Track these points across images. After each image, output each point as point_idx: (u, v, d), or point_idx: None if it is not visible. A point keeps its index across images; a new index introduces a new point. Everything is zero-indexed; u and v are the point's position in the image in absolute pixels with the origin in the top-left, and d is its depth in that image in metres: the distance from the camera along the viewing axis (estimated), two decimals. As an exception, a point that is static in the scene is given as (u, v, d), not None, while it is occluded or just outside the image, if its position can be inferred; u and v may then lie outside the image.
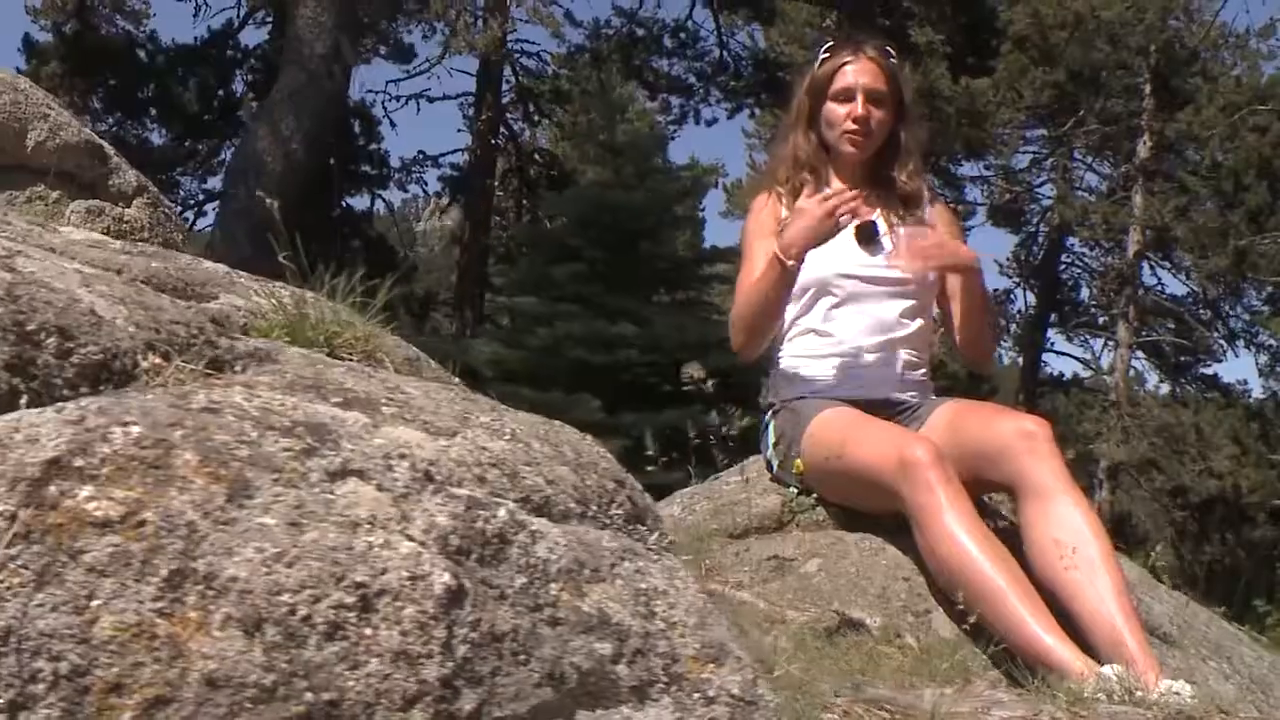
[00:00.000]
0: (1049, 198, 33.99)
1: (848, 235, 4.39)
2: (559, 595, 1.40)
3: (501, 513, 1.45)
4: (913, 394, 4.49)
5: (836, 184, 4.66)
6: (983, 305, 4.56)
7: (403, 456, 1.47)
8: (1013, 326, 36.92)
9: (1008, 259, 36.23)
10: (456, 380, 2.17)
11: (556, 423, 1.86)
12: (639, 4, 29.23)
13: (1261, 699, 4.27)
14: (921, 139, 4.84)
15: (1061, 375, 37.05)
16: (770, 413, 4.69)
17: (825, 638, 3.50)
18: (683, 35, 29.77)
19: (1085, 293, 36.45)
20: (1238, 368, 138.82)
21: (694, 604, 1.52)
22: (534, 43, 35.30)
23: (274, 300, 2.07)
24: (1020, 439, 3.87)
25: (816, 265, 4.40)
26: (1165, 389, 34.42)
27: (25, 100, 3.68)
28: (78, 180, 3.75)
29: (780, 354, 4.68)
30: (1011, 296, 36.67)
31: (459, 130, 32.13)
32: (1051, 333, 35.70)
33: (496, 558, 1.40)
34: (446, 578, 1.31)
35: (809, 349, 4.56)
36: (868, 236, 4.44)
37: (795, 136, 4.76)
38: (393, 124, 31.78)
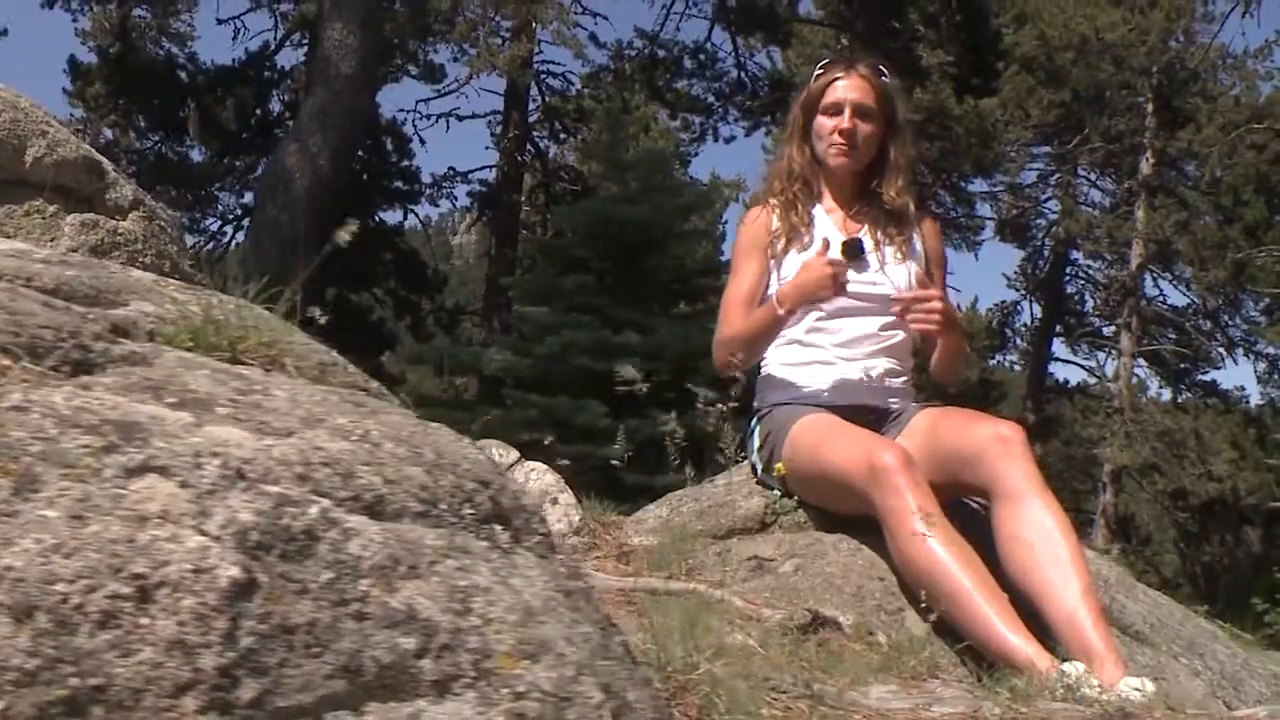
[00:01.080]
0: (1055, 213, 34.35)
1: (834, 251, 4.37)
2: (368, 591, 1.35)
3: (313, 510, 1.40)
4: (894, 400, 4.45)
5: (829, 200, 4.67)
6: (959, 346, 4.54)
7: (215, 455, 1.42)
8: (1018, 340, 37.28)
9: (1015, 272, 36.50)
10: (373, 385, 2.09)
11: (434, 425, 1.81)
12: (660, 26, 29.32)
13: (1233, 694, 4.23)
14: (912, 156, 4.80)
15: (1067, 382, 37.32)
16: (756, 418, 4.66)
17: (796, 635, 3.40)
18: (702, 57, 29.86)
19: (1089, 304, 36.54)
20: (1236, 375, 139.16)
21: (521, 602, 1.46)
22: (559, 63, 35.41)
23: (181, 307, 2.00)
24: (995, 443, 3.82)
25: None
26: (1166, 395, 34.59)
27: (25, 118, 3.65)
28: (75, 194, 3.72)
29: (767, 362, 4.65)
30: (1018, 308, 36.99)
31: (486, 148, 32.35)
32: (1057, 343, 35.95)
33: (303, 553, 1.35)
34: (235, 571, 1.26)
35: (794, 358, 4.54)
36: (853, 253, 4.40)
37: (790, 150, 4.74)
38: (422, 141, 31.96)
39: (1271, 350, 31.57)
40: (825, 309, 4.44)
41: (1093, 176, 34.75)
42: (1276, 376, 32.07)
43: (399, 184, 29.17)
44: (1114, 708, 2.62)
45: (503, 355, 10.68)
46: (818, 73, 4.73)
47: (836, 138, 4.52)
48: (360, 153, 27.99)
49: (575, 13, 27.16)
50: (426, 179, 30.12)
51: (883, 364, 4.46)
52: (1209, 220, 30.63)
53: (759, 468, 4.63)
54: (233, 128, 28.26)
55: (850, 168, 4.58)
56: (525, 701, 1.34)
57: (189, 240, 29.76)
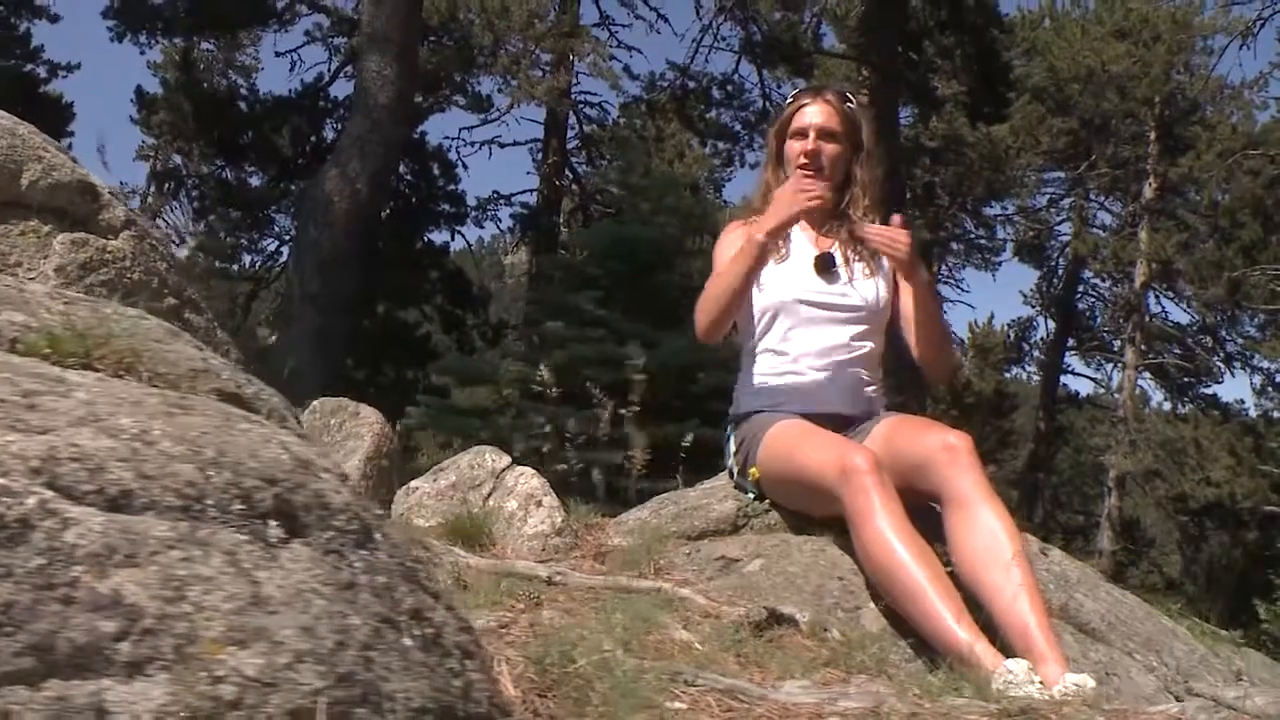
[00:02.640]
0: (1067, 234, 34.44)
1: (807, 264, 4.47)
2: (79, 577, 1.35)
3: (31, 501, 1.39)
4: (862, 408, 4.43)
5: (804, 224, 4.65)
6: (936, 317, 4.50)
7: (-56, 449, 1.44)
8: (1035, 352, 37.44)
9: (1031, 290, 36.82)
10: (249, 392, 2.10)
11: (245, 426, 1.79)
12: (690, 59, 29.31)
13: (1185, 690, 4.14)
14: (878, 179, 4.75)
15: (1077, 393, 37.48)
16: (732, 424, 4.65)
17: (750, 631, 3.38)
18: (729, 88, 29.83)
19: (1099, 320, 36.56)
20: (1235, 388, 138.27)
21: (251, 593, 1.45)
22: (595, 94, 35.48)
23: (53, 317, 2.01)
24: (943, 452, 3.80)
25: (777, 290, 4.46)
26: (1169, 406, 34.60)
27: (22, 144, 3.69)
28: (70, 216, 3.75)
29: (743, 372, 4.66)
30: (1034, 324, 37.25)
31: (528, 173, 32.65)
32: (1070, 356, 35.95)
33: (14, 540, 1.35)
34: (-77, 554, 1.28)
35: (768, 368, 4.53)
36: (825, 266, 4.44)
37: (766, 174, 4.78)
38: (465, 166, 32.21)
39: (1267, 364, 31.57)
40: (796, 319, 4.47)
41: (1100, 199, 34.93)
42: (1271, 388, 32.03)
43: (446, 206, 29.16)
44: (1017, 705, 2.56)
45: (516, 367, 10.68)
46: (788, 101, 4.78)
47: (802, 159, 4.53)
48: (409, 177, 28.17)
49: (611, 46, 27.27)
50: (472, 202, 30.19)
51: (852, 374, 4.45)
52: (1208, 241, 30.76)
53: (734, 472, 4.61)
54: (289, 154, 28.35)
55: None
56: (222, 685, 1.33)
57: (247, 259, 30.03)
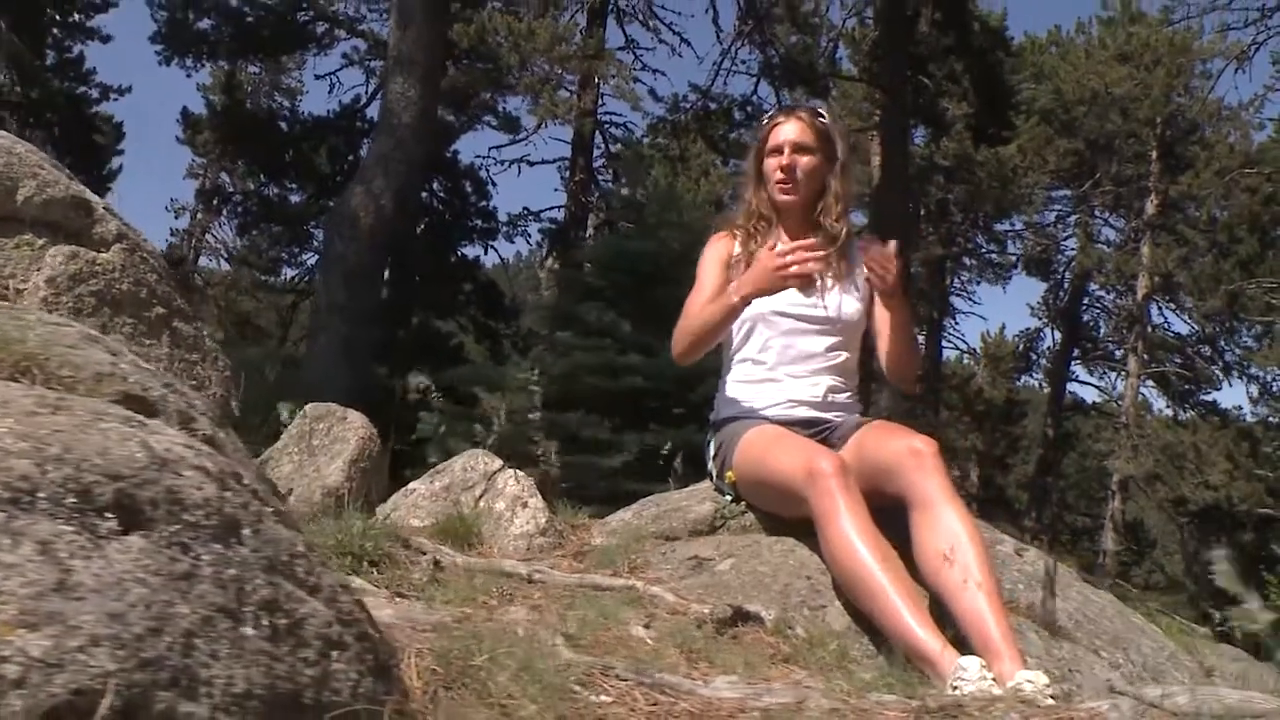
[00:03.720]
0: (1073, 249, 34.57)
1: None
2: None
3: None
4: (836, 415, 4.38)
5: (784, 236, 4.59)
6: (909, 342, 4.48)
7: None
8: (1042, 361, 37.50)
9: (1038, 302, 36.90)
10: (155, 395, 2.10)
11: (109, 426, 1.74)
12: (711, 82, 29.22)
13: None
14: (851, 189, 4.73)
15: (1083, 401, 37.48)
16: (712, 430, 4.63)
17: (713, 627, 3.33)
18: (749, 108, 29.74)
19: (1103, 330, 36.60)
20: (1234, 395, 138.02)
21: (56, 581, 1.43)
22: (621, 114, 35.38)
23: None
24: (909, 456, 3.76)
25: (756, 302, 4.37)
26: (1170, 413, 34.63)
27: (19, 161, 3.74)
28: (65, 230, 3.79)
29: (723, 379, 4.65)
30: (1041, 335, 37.35)
31: (555, 190, 32.59)
32: (1074, 365, 36.08)
33: None
34: None
35: (747, 375, 4.51)
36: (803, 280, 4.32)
37: (748, 192, 4.74)
38: (494, 184, 32.23)
39: (1262, 373, 31.69)
40: (773, 330, 4.45)
41: (1104, 216, 35.00)
42: (1268, 396, 32.02)
43: (478, 222, 29.21)
44: (939, 702, 2.50)
45: (523, 374, 10.71)
46: (764, 122, 4.75)
47: (778, 174, 4.50)
48: (442, 194, 28.25)
49: (635, 69, 27.21)
50: (503, 218, 30.19)
51: (827, 381, 4.42)
52: (1207, 256, 30.90)
53: (713, 475, 4.59)
54: (326, 171, 28.45)
55: (793, 202, 4.53)
56: (6, 665, 1.31)
57: (288, 272, 30.19)
